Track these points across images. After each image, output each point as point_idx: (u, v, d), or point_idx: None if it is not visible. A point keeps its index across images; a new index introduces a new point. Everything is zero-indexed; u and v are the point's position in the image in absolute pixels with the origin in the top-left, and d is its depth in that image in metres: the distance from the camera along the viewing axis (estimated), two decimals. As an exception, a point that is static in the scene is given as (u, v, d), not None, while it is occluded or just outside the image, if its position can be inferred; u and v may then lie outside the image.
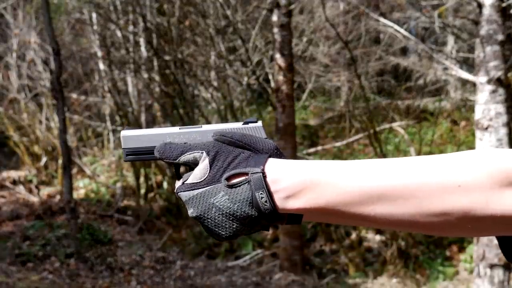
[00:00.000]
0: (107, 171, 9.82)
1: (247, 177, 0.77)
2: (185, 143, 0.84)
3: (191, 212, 0.80)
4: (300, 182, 0.76)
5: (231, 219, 0.78)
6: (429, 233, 0.79)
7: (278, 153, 0.82)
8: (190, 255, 7.10)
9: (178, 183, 0.83)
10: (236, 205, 0.77)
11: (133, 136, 0.87)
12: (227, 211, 0.77)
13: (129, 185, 9.17)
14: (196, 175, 0.80)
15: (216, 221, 0.78)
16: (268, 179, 0.77)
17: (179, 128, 0.86)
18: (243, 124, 0.85)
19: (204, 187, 0.79)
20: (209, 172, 0.80)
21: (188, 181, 0.81)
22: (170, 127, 0.89)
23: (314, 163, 0.78)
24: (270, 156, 0.80)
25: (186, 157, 0.82)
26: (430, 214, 0.72)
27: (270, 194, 0.76)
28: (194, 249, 7.24)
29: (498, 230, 0.72)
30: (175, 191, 0.83)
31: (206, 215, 0.79)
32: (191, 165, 0.83)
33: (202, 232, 7.51)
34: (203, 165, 0.80)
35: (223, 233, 0.79)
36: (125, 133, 0.87)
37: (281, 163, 0.79)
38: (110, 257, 6.61)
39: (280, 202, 0.76)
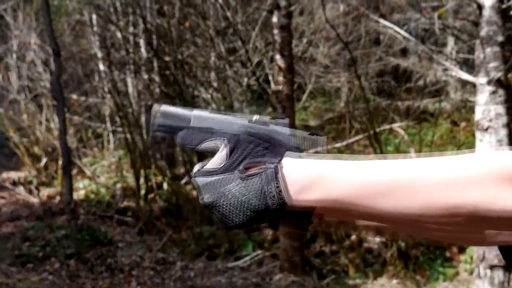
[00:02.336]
0: (107, 172, 9.82)
1: (263, 167, 0.79)
2: (207, 129, 0.86)
3: (203, 198, 0.81)
4: (313, 175, 0.77)
5: (241, 208, 0.79)
6: (435, 236, 0.79)
7: (298, 151, 0.84)
8: (190, 256, 7.10)
9: (195, 168, 0.84)
10: (247, 196, 0.78)
11: (162, 112, 0.89)
12: (239, 200, 0.78)
13: (129, 186, 9.17)
14: (214, 162, 0.82)
15: (227, 209, 0.79)
16: (284, 172, 0.78)
17: (209, 112, 0.87)
18: (270, 119, 0.87)
19: (220, 175, 0.80)
20: (227, 160, 0.81)
21: (206, 167, 0.82)
22: (200, 109, 0.90)
23: (326, 159, 0.80)
24: None
25: (207, 144, 0.84)
26: (439, 209, 0.72)
27: (285, 186, 0.77)
28: (194, 250, 7.24)
29: (504, 227, 0.72)
30: (191, 175, 0.84)
31: (217, 202, 0.79)
32: (212, 152, 0.84)
33: (202, 233, 7.51)
34: (223, 153, 0.82)
35: (232, 222, 0.79)
36: (156, 107, 0.89)
37: (296, 158, 0.80)
38: (110, 258, 6.61)
39: (293, 195, 0.77)
